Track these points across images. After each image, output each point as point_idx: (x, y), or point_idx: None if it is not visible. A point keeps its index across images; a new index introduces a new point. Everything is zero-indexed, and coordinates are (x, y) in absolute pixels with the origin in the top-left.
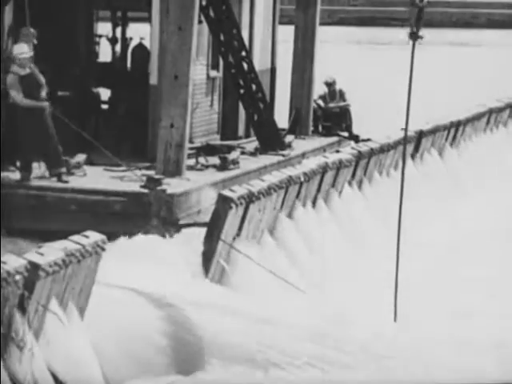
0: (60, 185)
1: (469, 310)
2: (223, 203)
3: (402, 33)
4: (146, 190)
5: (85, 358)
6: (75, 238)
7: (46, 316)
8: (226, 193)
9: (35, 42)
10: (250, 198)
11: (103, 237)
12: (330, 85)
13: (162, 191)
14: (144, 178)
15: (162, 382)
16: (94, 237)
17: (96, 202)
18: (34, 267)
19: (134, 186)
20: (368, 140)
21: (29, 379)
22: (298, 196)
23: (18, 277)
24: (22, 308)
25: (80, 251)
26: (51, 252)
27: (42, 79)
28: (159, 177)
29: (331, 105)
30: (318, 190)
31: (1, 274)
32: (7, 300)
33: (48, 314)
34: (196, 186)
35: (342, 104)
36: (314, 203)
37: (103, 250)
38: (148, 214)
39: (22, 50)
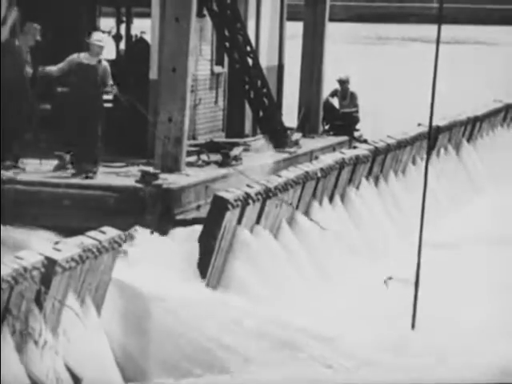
0: (53, 180)
1: None
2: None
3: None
4: (141, 185)
5: (101, 354)
6: (92, 233)
7: (62, 312)
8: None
9: (39, 38)
10: (267, 194)
11: (120, 233)
12: (343, 83)
13: (158, 186)
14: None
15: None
16: (110, 233)
17: (89, 197)
18: (50, 263)
19: (129, 181)
20: (365, 141)
21: (46, 375)
22: (314, 192)
23: (34, 272)
24: (39, 304)
25: (97, 247)
26: (68, 248)
27: (109, 79)
28: (155, 171)
29: (346, 110)
30: (335, 185)
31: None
32: (23, 296)
33: (65, 310)
34: (194, 182)
35: (353, 109)
36: (330, 199)
37: (120, 245)
38: (143, 209)
39: (98, 37)
